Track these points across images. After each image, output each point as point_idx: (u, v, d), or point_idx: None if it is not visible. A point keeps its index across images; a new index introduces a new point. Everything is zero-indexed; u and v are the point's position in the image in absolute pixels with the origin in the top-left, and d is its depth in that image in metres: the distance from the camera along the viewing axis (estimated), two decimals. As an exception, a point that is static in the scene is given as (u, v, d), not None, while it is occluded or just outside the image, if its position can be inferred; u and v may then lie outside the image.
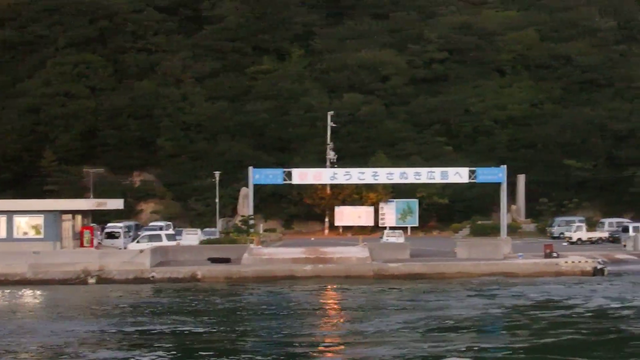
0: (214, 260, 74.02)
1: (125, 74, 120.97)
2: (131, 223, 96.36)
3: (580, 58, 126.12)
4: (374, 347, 39.38)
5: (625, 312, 50.78)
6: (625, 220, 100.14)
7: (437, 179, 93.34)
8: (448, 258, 76.07)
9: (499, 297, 58.37)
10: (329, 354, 39.79)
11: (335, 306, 56.68)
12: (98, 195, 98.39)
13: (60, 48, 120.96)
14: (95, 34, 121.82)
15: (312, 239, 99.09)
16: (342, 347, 40.76)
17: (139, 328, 45.52)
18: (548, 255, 75.58)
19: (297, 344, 41.46)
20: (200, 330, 46.08)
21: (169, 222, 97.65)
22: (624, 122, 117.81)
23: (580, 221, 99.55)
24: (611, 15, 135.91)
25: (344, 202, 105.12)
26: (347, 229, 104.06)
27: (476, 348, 39.03)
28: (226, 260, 74.06)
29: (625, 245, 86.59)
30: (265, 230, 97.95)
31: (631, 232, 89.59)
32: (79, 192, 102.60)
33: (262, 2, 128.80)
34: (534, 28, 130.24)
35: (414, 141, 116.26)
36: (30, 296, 64.38)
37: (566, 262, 73.68)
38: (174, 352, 37.91)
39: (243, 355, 37.11)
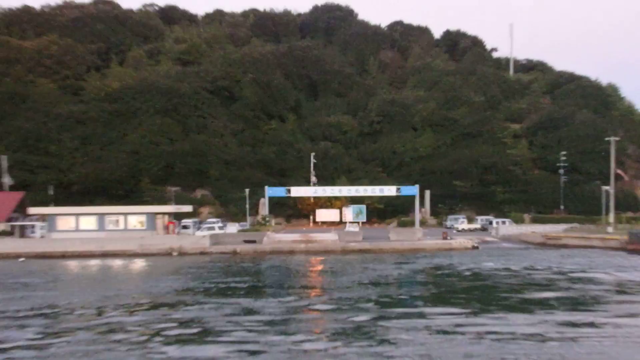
0: (246, 242, 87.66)
1: (189, 130, 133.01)
2: (196, 220, 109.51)
3: (462, 119, 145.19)
4: (338, 293, 49.43)
5: (487, 269, 63.45)
6: (490, 218, 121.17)
7: (377, 193, 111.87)
8: (385, 240, 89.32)
9: (415, 263, 70.07)
10: (311, 293, 49.78)
11: (317, 268, 66.15)
12: (176, 203, 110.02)
13: (150, 115, 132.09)
14: (170, 106, 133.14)
15: (304, 228, 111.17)
16: (318, 290, 50.66)
17: (204, 282, 55.84)
18: (444, 238, 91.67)
19: (290, 287, 52.81)
20: (238, 280, 56.80)
21: (218, 219, 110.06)
22: (489, 158, 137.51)
23: (463, 218, 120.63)
24: (481, 93, 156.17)
25: (321, 207, 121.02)
26: (323, 223, 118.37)
27: (400, 292, 49.91)
28: (253, 242, 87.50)
29: (490, 232, 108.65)
30: (275, 224, 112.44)
31: (494, 225, 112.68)
32: (164, 202, 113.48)
33: (269, 87, 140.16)
34: (434, 101, 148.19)
35: (362, 170, 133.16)
36: (139, 263, 74.23)
37: (455, 242, 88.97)
38: (221, 293, 47.08)
39: (259, 292, 47.26)
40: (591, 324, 37.46)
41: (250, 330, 35.71)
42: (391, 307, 43.28)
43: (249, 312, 41.50)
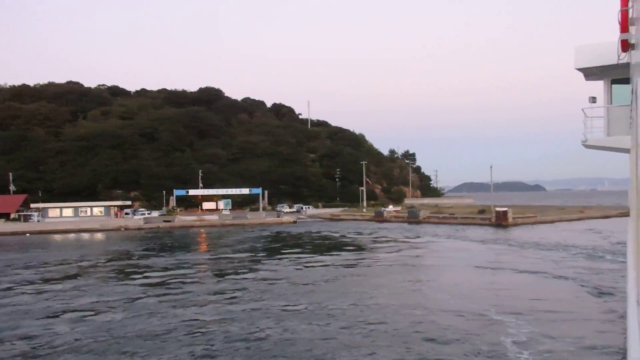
0: (165, 221, 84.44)
1: (127, 158, 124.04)
2: (133, 209, 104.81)
3: (284, 151, 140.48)
4: (225, 248, 53.15)
5: (306, 232, 69.42)
6: (301, 205, 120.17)
7: (237, 192, 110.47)
8: (244, 218, 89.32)
9: (265, 231, 68.60)
10: (204, 247, 50.88)
11: (204, 236, 63.25)
12: (121, 200, 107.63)
13: (104, 148, 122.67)
14: (116, 143, 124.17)
15: (197, 213, 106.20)
16: (211, 245, 51.78)
17: (143, 244, 57.78)
18: (278, 216, 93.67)
19: (194, 245, 57.04)
20: (163, 242, 60.11)
21: (145, 209, 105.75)
22: (299, 173, 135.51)
23: (286, 206, 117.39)
24: (294, 137, 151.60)
25: (206, 201, 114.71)
26: (207, 210, 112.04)
27: (259, 245, 54.22)
28: (169, 221, 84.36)
29: (302, 213, 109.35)
30: (180, 211, 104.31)
31: (304, 209, 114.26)
32: (112, 199, 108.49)
33: (175, 132, 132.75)
34: (268, 141, 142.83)
35: (230, 180, 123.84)
36: (101, 236, 74.80)
37: (284, 219, 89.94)
38: (156, 250, 48.51)
39: (173, 249, 50.88)
40: (365, 257, 39.64)
41: (166, 268, 36.60)
42: (259, 252, 44.26)
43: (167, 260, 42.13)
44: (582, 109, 15.59)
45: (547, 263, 34.17)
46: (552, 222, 75.79)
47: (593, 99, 15.68)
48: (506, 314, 19.79)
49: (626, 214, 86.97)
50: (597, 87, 16.25)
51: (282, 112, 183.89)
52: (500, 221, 70.37)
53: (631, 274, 11.84)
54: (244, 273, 31.68)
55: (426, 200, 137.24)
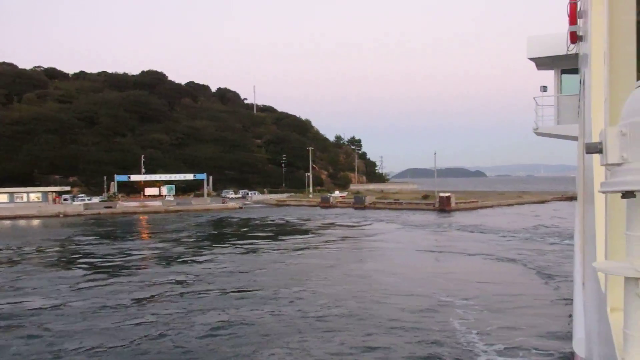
0: (106, 207, 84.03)
1: (66, 142, 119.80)
2: (72, 195, 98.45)
3: (230, 137, 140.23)
4: (172, 234, 56.56)
5: (253, 218, 73.95)
6: (246, 191, 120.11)
7: (182, 178, 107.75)
8: (189, 204, 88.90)
9: (211, 216, 69.40)
10: (149, 235, 53.26)
11: (147, 223, 62.67)
12: (58, 185, 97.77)
13: (40, 133, 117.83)
14: (53, 128, 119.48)
15: (140, 199, 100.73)
16: (155, 232, 58.39)
17: (83, 231, 61.06)
18: (223, 202, 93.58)
19: (137, 232, 60.80)
20: (106, 229, 61.07)
21: (84, 195, 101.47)
22: (245, 159, 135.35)
23: (231, 191, 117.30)
24: (239, 123, 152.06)
25: (148, 186, 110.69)
26: (150, 196, 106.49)
27: (205, 231, 59.43)
28: (110, 207, 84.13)
29: (248, 199, 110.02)
30: (121, 197, 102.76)
31: (250, 195, 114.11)
32: (50, 185, 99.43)
33: (116, 117, 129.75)
34: (213, 127, 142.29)
35: (174, 165, 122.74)
36: (38, 222, 74.26)
37: (230, 205, 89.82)
38: (101, 235, 52.56)
39: (115, 236, 52.63)
40: (313, 243, 39.93)
41: (109, 255, 35.57)
42: (205, 239, 43.98)
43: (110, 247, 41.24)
44: (534, 98, 16.02)
45: (492, 246, 35.21)
46: (493, 206, 78.59)
47: (544, 88, 15.99)
48: (455, 297, 20.13)
49: (560, 199, 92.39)
50: (549, 76, 16.58)
51: (227, 96, 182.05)
52: (444, 206, 72.18)
53: (578, 257, 12.11)
54: (190, 260, 31.33)
55: (372, 186, 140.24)
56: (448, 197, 73.65)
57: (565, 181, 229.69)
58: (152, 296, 21.44)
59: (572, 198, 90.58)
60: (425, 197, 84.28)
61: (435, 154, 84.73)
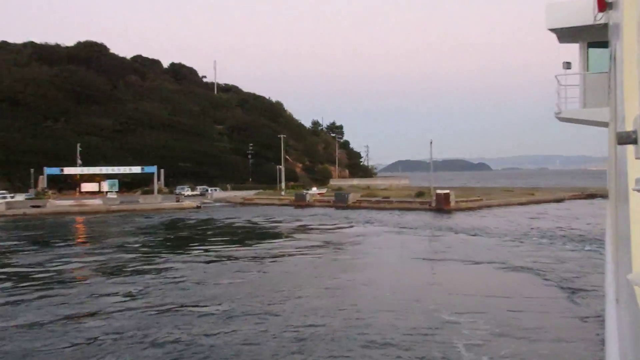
0: (33, 206, 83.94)
1: None
2: None
3: (185, 122, 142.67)
4: (114, 239, 57.57)
5: (215, 220, 74.45)
6: (206, 187, 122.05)
7: (127, 171, 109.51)
8: (136, 203, 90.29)
9: (163, 217, 70.59)
10: (89, 241, 58.32)
11: (85, 225, 63.52)
12: None
13: None
14: None
15: (76, 196, 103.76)
16: (96, 238, 57.93)
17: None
18: (177, 201, 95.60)
19: (71, 237, 60.09)
20: (31, 234, 62.70)
21: (5, 191, 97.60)
22: (203, 149, 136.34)
23: (187, 188, 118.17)
24: (197, 105, 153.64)
25: (85, 181, 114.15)
26: (87, 192, 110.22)
27: (153, 238, 55.21)
28: (39, 206, 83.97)
29: (207, 197, 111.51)
30: (52, 194, 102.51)
31: (209, 191, 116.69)
32: None
33: (45, 97, 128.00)
34: (166, 110, 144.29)
35: (117, 155, 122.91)
36: None
37: (186, 204, 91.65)
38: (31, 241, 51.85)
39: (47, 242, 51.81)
40: (287, 250, 39.96)
41: (37, 265, 34.65)
42: (155, 245, 44.11)
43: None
44: (556, 76, 15.76)
45: (500, 252, 35.50)
46: (499, 205, 79.65)
47: (567, 65, 15.84)
48: (459, 315, 20.03)
49: (579, 197, 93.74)
50: (574, 51, 16.39)
51: (182, 74, 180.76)
52: (442, 205, 72.91)
53: (609, 267, 11.94)
54: (138, 270, 31.14)
55: (356, 181, 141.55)
56: (446, 195, 74.20)
57: (586, 175, 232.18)
58: (92, 313, 21.22)
59: (594, 196, 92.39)
60: (420, 194, 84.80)
61: (431, 143, 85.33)
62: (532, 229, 48.60)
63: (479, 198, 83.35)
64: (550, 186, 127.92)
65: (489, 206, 78.46)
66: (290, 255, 36.33)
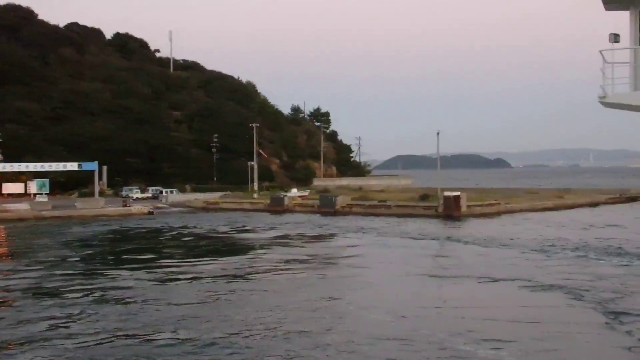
0: None
1: None
2: None
3: (133, 107, 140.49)
4: (43, 253, 55.43)
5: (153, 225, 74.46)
6: (159, 188, 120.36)
7: (60, 169, 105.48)
8: (72, 208, 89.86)
9: (105, 226, 71.29)
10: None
11: (6, 237, 62.49)
12: None
13: None
14: None
15: None
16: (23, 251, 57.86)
17: None
18: (125, 206, 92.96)
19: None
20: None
21: None
22: (156, 140, 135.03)
23: (136, 189, 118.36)
24: (148, 86, 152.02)
25: (7, 181, 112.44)
26: (9, 195, 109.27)
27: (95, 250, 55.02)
28: None
29: (161, 200, 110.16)
30: None
31: (164, 194, 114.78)
32: None
33: None
34: (109, 92, 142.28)
35: (48, 149, 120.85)
36: None
37: (135, 209, 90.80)
38: None
39: None
40: (261, 266, 40.89)
41: None
42: (97, 260, 44.42)
43: None
44: (600, 51, 15.47)
45: (525, 268, 35.65)
46: (522, 211, 79.84)
47: (615, 37, 15.67)
48: (477, 344, 19.94)
49: (618, 201, 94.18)
50: (623, 20, 16.10)
51: (129, 47, 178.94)
52: (451, 211, 73.02)
53: None
54: (76, 291, 30.99)
55: (345, 181, 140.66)
56: (457, 198, 74.35)
57: (626, 174, 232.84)
58: (21, 343, 21.22)
59: (635, 199, 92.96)
60: (424, 197, 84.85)
61: (438, 134, 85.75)
62: (562, 239, 48.91)
63: (496, 202, 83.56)
64: (582, 187, 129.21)
65: (509, 212, 78.65)
66: (265, 272, 36.31)
